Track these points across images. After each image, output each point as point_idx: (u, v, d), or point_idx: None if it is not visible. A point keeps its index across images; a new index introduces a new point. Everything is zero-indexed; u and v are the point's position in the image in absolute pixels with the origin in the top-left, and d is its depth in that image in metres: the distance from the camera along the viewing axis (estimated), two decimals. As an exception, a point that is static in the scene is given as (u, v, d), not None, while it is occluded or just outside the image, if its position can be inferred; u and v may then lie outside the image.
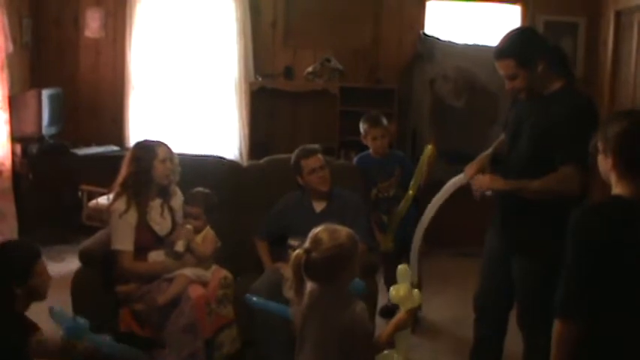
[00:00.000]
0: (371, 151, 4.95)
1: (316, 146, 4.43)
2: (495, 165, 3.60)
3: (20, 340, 3.04)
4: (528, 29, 3.36)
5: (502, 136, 3.75)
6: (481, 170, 3.54)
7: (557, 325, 2.42)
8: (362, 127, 4.96)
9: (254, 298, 3.63)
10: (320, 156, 4.33)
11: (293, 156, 4.37)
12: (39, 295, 3.16)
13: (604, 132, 2.51)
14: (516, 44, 3.29)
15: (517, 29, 3.37)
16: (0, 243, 3.16)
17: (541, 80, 3.30)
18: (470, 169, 3.59)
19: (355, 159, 5.11)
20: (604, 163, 2.51)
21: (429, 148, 4.72)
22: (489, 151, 3.75)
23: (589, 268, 2.37)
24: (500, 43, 3.34)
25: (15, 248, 3.16)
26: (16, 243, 3.21)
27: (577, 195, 3.19)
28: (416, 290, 2.98)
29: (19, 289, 3.05)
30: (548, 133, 3.24)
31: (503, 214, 3.57)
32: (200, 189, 4.09)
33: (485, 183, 3.43)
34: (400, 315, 2.88)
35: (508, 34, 3.37)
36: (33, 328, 3.17)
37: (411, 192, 4.68)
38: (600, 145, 2.52)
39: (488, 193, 3.40)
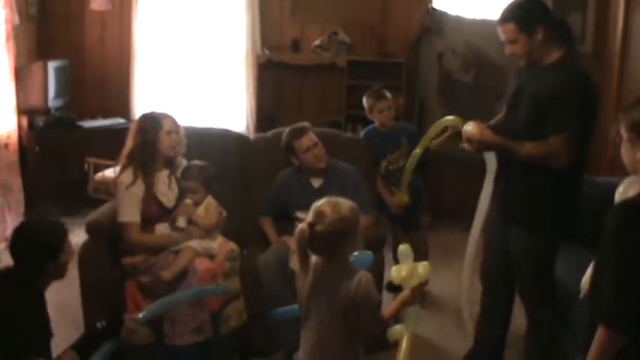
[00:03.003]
0: (377, 124, 4.94)
1: (306, 124, 4.40)
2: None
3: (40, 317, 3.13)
4: None
5: (502, 113, 3.78)
6: None
7: (601, 333, 2.17)
8: (366, 102, 4.98)
9: (274, 312, 3.58)
10: (311, 134, 4.30)
11: (283, 138, 4.34)
12: (63, 272, 3.21)
13: (629, 118, 2.24)
14: (518, 9, 3.39)
15: None
16: (31, 221, 3.26)
17: (540, 49, 3.38)
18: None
19: (362, 133, 5.10)
20: (630, 153, 2.26)
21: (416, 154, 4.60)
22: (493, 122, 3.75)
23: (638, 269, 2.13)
24: (504, 9, 3.42)
25: (48, 226, 3.22)
26: (47, 221, 3.27)
27: (564, 167, 3.25)
28: (425, 263, 2.96)
29: (50, 265, 3.11)
30: (544, 102, 3.29)
31: (501, 187, 3.63)
32: (195, 162, 4.08)
33: (475, 130, 3.45)
34: (405, 293, 2.88)
35: (514, 1, 3.45)
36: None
37: (418, 151, 4.59)
38: (625, 133, 2.25)
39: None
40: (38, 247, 3.10)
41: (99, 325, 3.28)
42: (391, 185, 4.83)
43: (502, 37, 3.42)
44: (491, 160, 3.76)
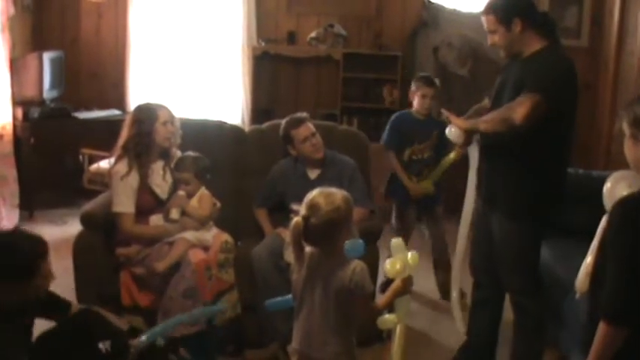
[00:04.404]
0: (414, 109, 4.87)
1: (305, 114, 4.39)
2: None
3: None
4: None
5: (484, 102, 3.79)
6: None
7: (603, 328, 2.16)
8: (414, 84, 4.90)
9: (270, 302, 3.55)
10: (309, 124, 4.30)
11: (282, 127, 4.33)
12: (35, 295, 2.80)
13: (632, 113, 2.22)
14: (499, 1, 3.44)
15: None
16: (9, 231, 2.88)
17: (519, 41, 3.42)
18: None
19: (392, 117, 5.00)
20: (633, 149, 2.25)
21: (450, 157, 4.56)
22: (470, 112, 3.77)
23: None
24: (488, 0, 3.48)
25: (23, 240, 2.77)
26: (25, 235, 2.78)
27: (521, 121, 3.18)
28: (413, 252, 2.97)
29: (17, 286, 2.71)
30: (524, 86, 3.29)
31: (482, 175, 3.65)
32: (189, 153, 4.07)
33: (452, 120, 3.52)
34: (397, 283, 2.90)
35: None
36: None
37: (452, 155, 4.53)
38: (628, 129, 2.24)
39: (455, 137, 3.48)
40: (3, 268, 2.66)
41: (102, 347, 2.90)
42: (412, 174, 4.80)
43: (484, 27, 3.49)
44: (473, 154, 3.76)
